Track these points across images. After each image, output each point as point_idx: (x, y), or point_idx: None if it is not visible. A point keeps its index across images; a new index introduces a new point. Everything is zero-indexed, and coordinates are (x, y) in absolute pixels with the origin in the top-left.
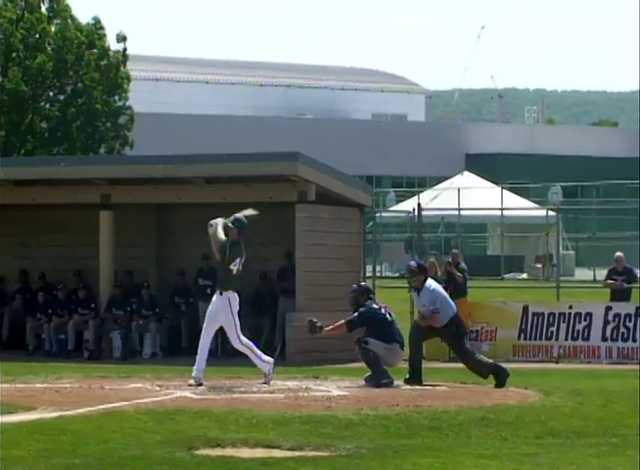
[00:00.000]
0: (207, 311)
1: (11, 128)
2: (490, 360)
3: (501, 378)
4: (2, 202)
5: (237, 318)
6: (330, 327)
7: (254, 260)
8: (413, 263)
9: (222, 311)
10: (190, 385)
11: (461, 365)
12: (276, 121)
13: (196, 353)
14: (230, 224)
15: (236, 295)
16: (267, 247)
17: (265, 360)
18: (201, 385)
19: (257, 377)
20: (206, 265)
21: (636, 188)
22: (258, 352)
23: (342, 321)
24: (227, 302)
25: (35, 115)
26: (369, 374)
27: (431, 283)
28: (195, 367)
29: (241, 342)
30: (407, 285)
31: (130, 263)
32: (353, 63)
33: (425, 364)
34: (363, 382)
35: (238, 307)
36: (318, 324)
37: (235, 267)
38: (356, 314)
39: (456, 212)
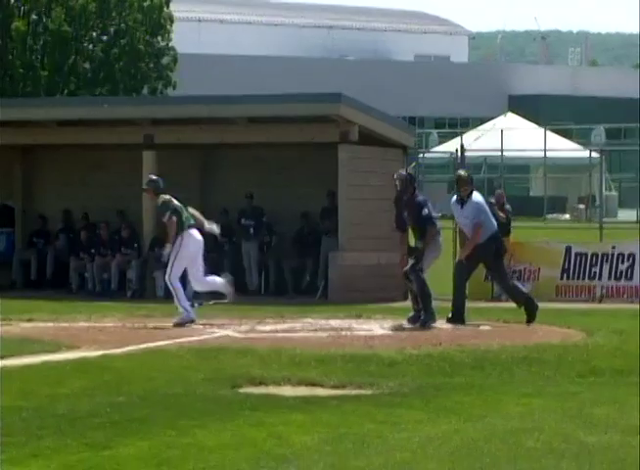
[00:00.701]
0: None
1: (54, 69)
2: (525, 290)
3: (532, 312)
4: (46, 142)
5: (181, 258)
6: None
7: (297, 201)
8: (462, 172)
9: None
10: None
11: (504, 304)
12: (319, 63)
13: (240, 293)
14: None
15: (190, 232)
16: (310, 187)
17: (188, 309)
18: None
19: (300, 316)
20: (249, 205)
21: None
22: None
23: (428, 227)
24: (179, 242)
25: (78, 55)
26: (412, 314)
27: (477, 195)
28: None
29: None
30: (450, 226)
31: None
32: (396, 4)
33: (468, 304)
34: (406, 322)
35: (195, 245)
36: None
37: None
38: (425, 210)
39: (499, 153)
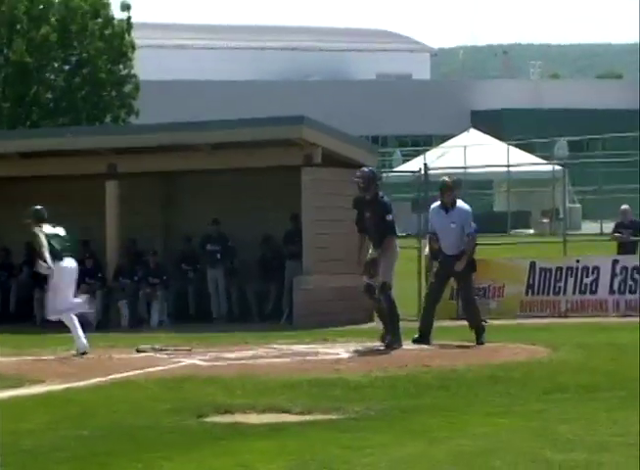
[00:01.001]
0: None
1: (16, 100)
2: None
3: (480, 336)
4: (8, 174)
5: (56, 289)
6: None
7: (261, 226)
8: (447, 178)
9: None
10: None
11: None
12: (281, 85)
13: (204, 320)
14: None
15: (63, 263)
16: (273, 211)
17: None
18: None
19: (265, 342)
20: (215, 231)
21: None
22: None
23: (388, 236)
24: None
25: (40, 86)
26: (383, 333)
27: (463, 203)
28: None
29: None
30: (415, 245)
31: (137, 232)
32: (357, 23)
33: (434, 323)
34: (378, 342)
35: (69, 276)
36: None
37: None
38: (390, 216)
39: (462, 171)
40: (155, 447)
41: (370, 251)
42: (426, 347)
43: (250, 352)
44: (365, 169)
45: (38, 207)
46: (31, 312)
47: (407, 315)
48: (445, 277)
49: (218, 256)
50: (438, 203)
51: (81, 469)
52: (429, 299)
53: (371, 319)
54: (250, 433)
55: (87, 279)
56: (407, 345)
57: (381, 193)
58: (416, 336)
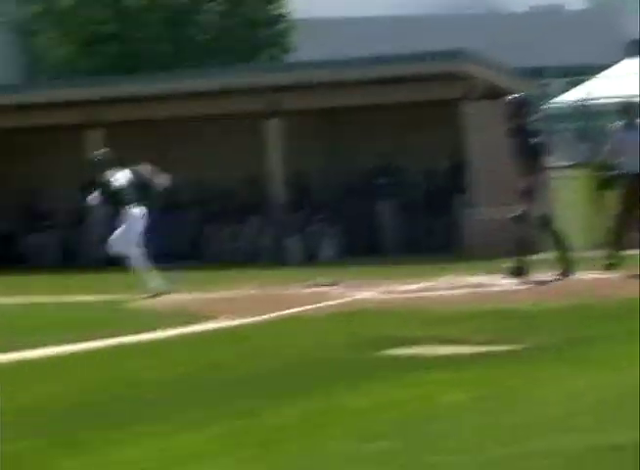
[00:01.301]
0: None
1: (172, 42)
2: None
3: None
4: (173, 114)
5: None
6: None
7: (425, 159)
8: (627, 100)
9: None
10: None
11: None
12: (437, 19)
13: (374, 254)
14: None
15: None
16: (435, 146)
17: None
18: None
19: (436, 275)
20: (381, 163)
21: None
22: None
23: (539, 163)
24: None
25: (195, 27)
26: (514, 265)
27: None
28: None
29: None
30: (581, 175)
31: (301, 169)
32: None
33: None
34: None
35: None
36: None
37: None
38: (534, 140)
39: (626, 100)
40: (333, 381)
41: (525, 179)
42: (599, 276)
43: (422, 285)
44: (514, 96)
45: (101, 151)
46: (199, 250)
47: (574, 246)
48: (633, 200)
49: (387, 189)
50: (623, 122)
51: (263, 403)
52: (617, 225)
53: (541, 249)
54: (428, 365)
55: (253, 217)
56: (582, 274)
57: (532, 119)
58: (608, 262)
